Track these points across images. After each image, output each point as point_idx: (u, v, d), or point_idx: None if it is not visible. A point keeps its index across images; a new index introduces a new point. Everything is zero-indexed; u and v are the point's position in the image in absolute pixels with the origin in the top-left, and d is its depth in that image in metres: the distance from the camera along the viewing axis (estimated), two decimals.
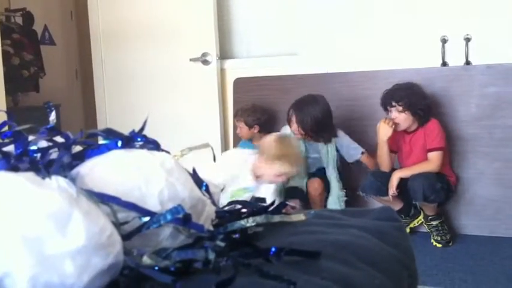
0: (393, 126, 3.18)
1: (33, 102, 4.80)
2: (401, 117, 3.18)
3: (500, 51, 3.40)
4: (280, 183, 2.89)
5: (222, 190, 1.37)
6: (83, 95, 5.57)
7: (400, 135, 3.28)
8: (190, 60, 4.02)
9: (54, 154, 0.99)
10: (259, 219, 1.09)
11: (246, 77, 3.98)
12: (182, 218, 0.93)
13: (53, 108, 1.14)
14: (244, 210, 1.17)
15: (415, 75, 3.38)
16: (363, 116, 3.58)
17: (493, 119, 3.31)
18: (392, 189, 3.13)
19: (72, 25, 5.60)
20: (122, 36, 4.27)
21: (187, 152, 1.18)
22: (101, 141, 1.06)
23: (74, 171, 0.95)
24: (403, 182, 3.13)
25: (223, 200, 1.31)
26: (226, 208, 1.21)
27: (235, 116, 3.81)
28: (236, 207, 1.19)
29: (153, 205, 0.93)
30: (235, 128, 3.84)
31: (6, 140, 1.00)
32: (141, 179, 0.95)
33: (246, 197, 2.55)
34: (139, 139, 1.10)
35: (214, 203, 1.11)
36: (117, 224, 0.87)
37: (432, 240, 3.21)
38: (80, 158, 1.01)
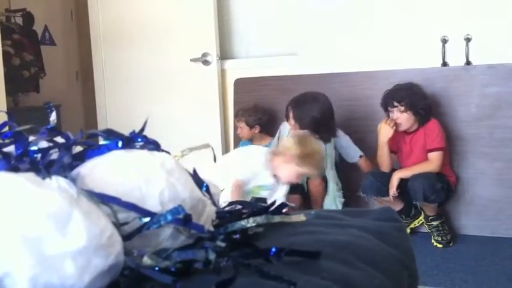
0: (394, 127, 3.18)
1: (34, 102, 4.80)
2: (403, 117, 3.18)
3: (500, 51, 3.40)
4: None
5: (222, 190, 1.37)
6: (83, 95, 5.56)
7: (400, 135, 3.28)
8: (191, 60, 4.03)
9: (54, 154, 0.99)
10: (260, 219, 1.09)
11: (246, 78, 3.98)
12: (182, 219, 0.93)
13: (53, 109, 1.14)
14: (244, 210, 1.17)
15: (416, 76, 3.38)
16: (363, 116, 3.58)
17: (494, 119, 3.30)
18: (392, 189, 3.13)
19: (72, 25, 5.59)
20: (122, 37, 4.27)
21: (187, 152, 1.18)
22: (101, 142, 1.06)
23: (75, 171, 0.96)
24: (403, 182, 3.14)
25: (245, 195, 1.30)
26: (226, 208, 1.21)
27: (236, 116, 3.80)
28: (236, 208, 1.20)
29: (153, 205, 0.93)
30: (235, 128, 3.84)
31: (7, 141, 1.00)
32: (141, 179, 0.95)
33: (262, 194, 2.53)
34: (139, 139, 1.10)
35: (214, 203, 1.11)
36: (118, 225, 0.87)
37: (433, 241, 3.21)
38: (81, 158, 1.01)
